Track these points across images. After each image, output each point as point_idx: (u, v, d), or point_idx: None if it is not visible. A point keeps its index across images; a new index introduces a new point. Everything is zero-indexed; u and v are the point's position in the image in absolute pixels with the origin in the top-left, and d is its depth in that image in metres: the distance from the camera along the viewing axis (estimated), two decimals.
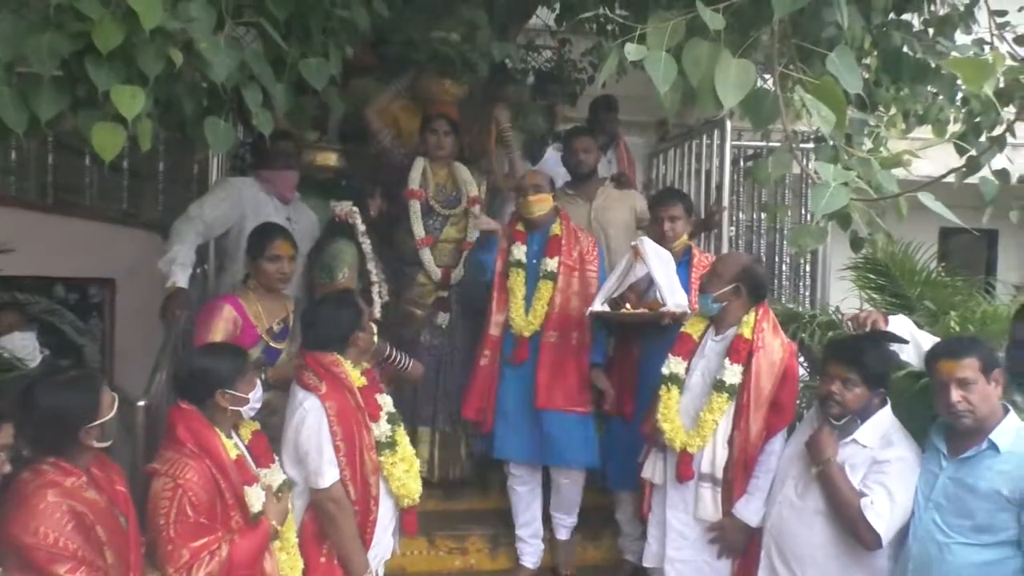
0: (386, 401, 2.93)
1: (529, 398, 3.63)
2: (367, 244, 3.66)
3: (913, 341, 2.84)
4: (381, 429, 2.81)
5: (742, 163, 5.70)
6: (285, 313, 3.27)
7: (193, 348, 3.00)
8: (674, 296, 3.39)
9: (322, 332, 2.81)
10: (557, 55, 7.31)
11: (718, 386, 2.96)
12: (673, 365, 3.10)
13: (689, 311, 3.35)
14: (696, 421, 2.98)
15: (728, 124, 4.60)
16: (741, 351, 2.96)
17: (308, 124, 3.60)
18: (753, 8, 2.24)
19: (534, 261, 3.76)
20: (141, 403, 2.92)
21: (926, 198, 2.24)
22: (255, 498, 2.49)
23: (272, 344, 3.17)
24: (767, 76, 2.69)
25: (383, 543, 2.90)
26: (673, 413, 3.03)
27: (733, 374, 2.95)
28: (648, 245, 3.44)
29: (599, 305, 3.54)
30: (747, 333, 2.98)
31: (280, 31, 2.32)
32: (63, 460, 2.16)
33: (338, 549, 2.73)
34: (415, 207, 4.00)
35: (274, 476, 2.64)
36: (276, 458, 2.69)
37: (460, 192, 4.12)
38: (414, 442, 3.52)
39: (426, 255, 4.03)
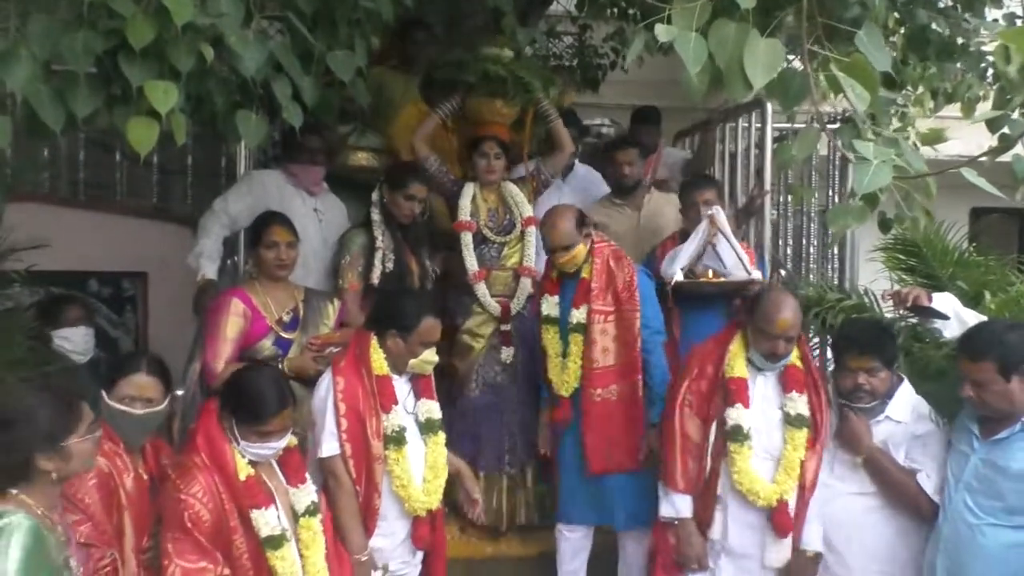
0: (431, 408, 2.89)
1: (583, 460, 3.33)
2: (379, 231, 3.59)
3: (957, 318, 2.85)
4: (391, 421, 2.75)
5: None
6: (294, 303, 3.21)
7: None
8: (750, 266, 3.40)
9: (382, 314, 2.85)
10: (578, 41, 7.32)
11: (792, 421, 2.78)
12: (734, 415, 2.82)
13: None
14: (776, 463, 2.78)
15: (769, 106, 4.38)
16: (797, 378, 2.82)
17: (336, 116, 3.59)
18: None
19: (567, 313, 3.41)
20: (179, 392, 2.99)
21: (969, 173, 2.22)
22: (264, 523, 2.36)
23: (283, 335, 3.13)
24: (791, 56, 2.68)
25: (390, 542, 2.81)
26: (747, 468, 2.77)
27: (800, 404, 2.79)
28: (720, 215, 3.44)
29: (680, 275, 3.45)
30: (797, 363, 2.85)
31: (307, 24, 2.34)
32: None
33: (336, 523, 2.69)
34: (467, 239, 3.73)
35: (301, 497, 2.51)
36: (307, 477, 2.57)
37: (513, 214, 3.83)
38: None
39: (481, 289, 3.72)
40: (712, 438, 2.86)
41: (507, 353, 3.74)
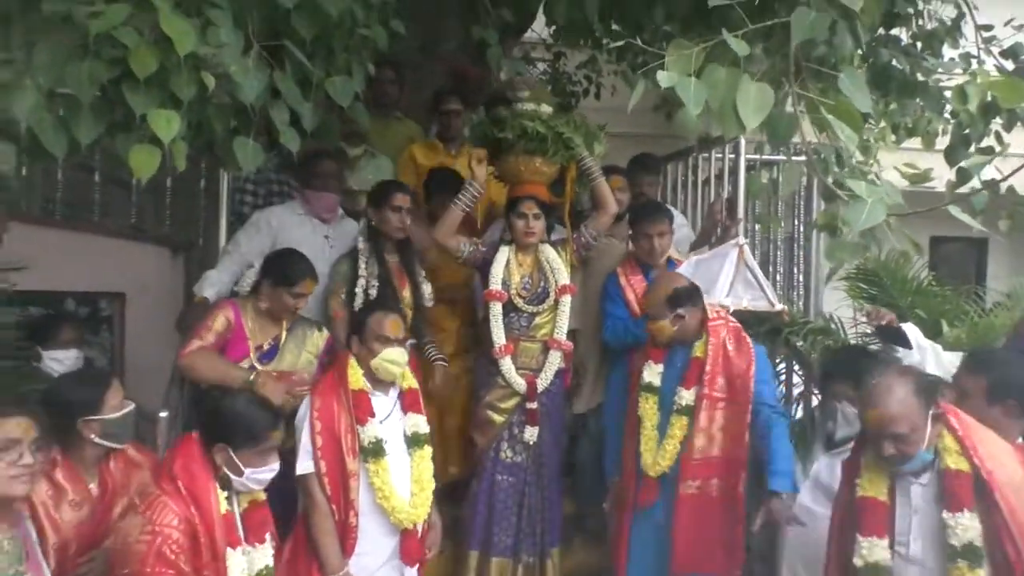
0: (417, 422, 2.92)
1: (665, 556, 3.06)
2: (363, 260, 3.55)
3: (918, 348, 2.95)
4: (367, 433, 2.77)
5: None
6: (278, 332, 3.23)
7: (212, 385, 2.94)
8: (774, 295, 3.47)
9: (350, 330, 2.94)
10: (552, 67, 7.47)
11: (960, 554, 2.07)
12: (868, 550, 2.17)
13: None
14: None
15: (742, 139, 4.37)
16: (965, 488, 2.09)
17: (341, 139, 3.60)
18: (768, 31, 2.36)
19: (671, 386, 3.15)
20: (163, 414, 3.01)
21: (954, 210, 2.35)
22: (235, 564, 2.31)
23: (257, 364, 3.12)
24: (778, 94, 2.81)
25: (374, 561, 2.81)
26: None
27: (968, 529, 2.06)
28: (747, 248, 3.50)
29: (723, 301, 3.44)
30: (960, 464, 2.11)
31: (305, 51, 2.41)
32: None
33: (312, 542, 2.72)
34: (496, 309, 3.51)
35: (257, 557, 2.41)
36: (268, 539, 2.47)
37: (548, 281, 3.57)
38: (485, 574, 3.45)
39: (506, 364, 3.50)
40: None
41: (531, 433, 3.50)
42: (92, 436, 2.44)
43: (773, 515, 2.76)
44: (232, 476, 2.36)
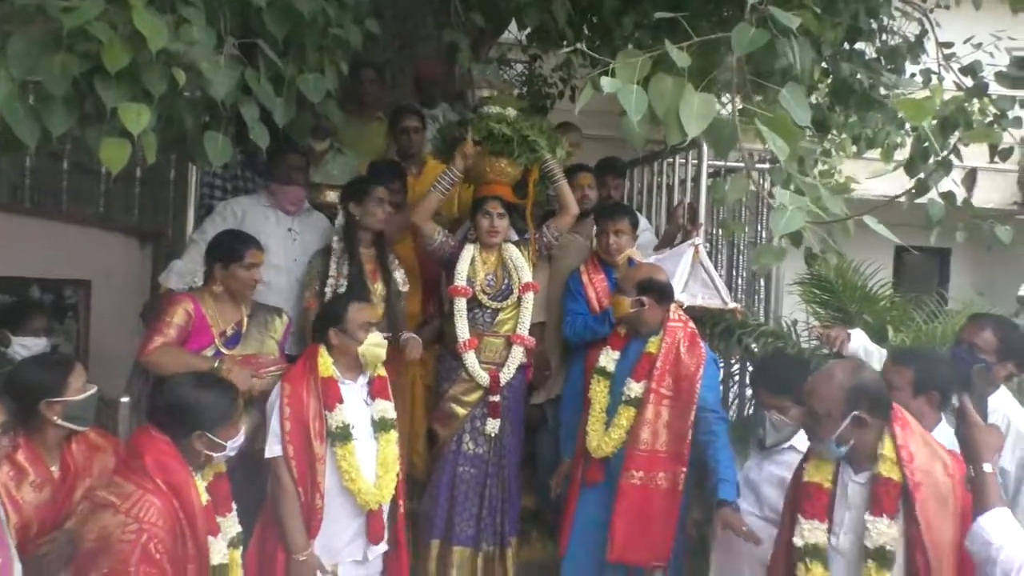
0: (385, 408, 3.03)
1: (604, 536, 3.14)
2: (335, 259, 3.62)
3: (865, 352, 3.08)
4: (334, 419, 2.88)
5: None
6: (239, 317, 3.26)
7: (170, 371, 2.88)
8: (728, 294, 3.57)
9: (318, 323, 3.06)
10: (528, 69, 7.57)
11: (871, 555, 2.16)
12: (809, 532, 2.28)
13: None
14: None
15: (705, 145, 4.46)
16: (890, 496, 2.17)
17: (309, 135, 3.65)
18: (713, 44, 2.46)
19: (622, 376, 3.26)
20: (124, 399, 3.05)
21: (870, 220, 2.45)
22: (217, 551, 2.37)
23: (222, 350, 3.16)
24: (725, 100, 2.91)
25: (338, 541, 2.92)
26: None
27: (883, 534, 2.16)
28: (703, 248, 3.61)
29: (679, 298, 3.46)
30: (892, 472, 2.18)
31: (277, 50, 2.47)
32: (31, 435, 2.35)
33: (278, 523, 2.83)
34: (460, 305, 3.61)
35: (229, 527, 2.51)
36: (234, 507, 2.56)
37: (512, 279, 3.68)
38: (447, 563, 3.53)
39: (470, 359, 3.59)
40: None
41: (492, 425, 3.60)
42: (54, 418, 2.48)
43: (730, 524, 2.81)
44: (214, 455, 2.42)
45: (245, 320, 3.26)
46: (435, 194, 3.67)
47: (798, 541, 2.29)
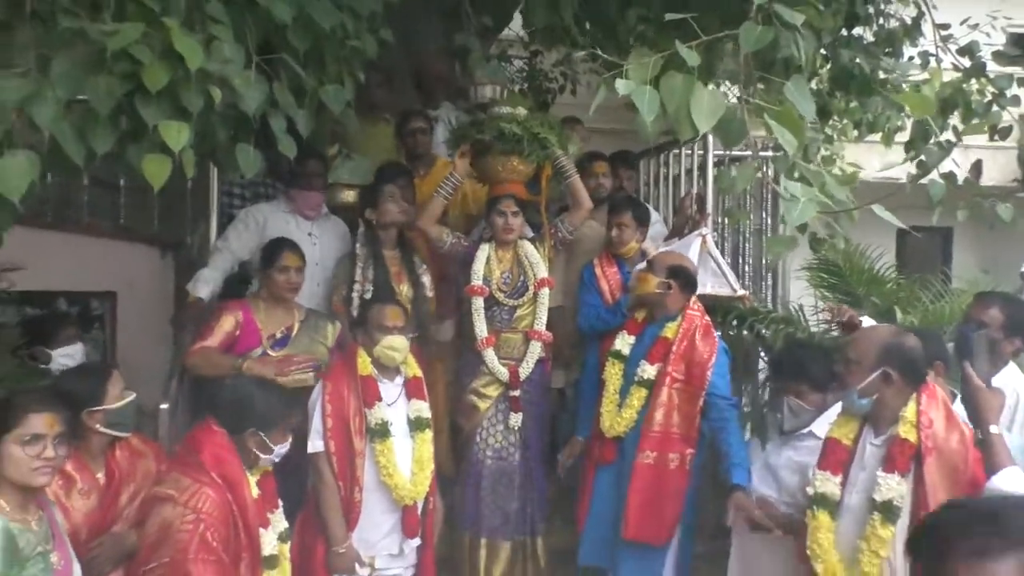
0: (420, 407, 3.15)
1: (619, 513, 3.30)
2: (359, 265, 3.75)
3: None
4: (373, 416, 3.01)
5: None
6: (291, 321, 3.44)
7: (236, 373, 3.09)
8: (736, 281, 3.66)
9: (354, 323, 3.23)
10: (529, 65, 7.63)
11: (878, 507, 2.27)
12: (821, 482, 2.41)
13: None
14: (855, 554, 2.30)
15: (710, 137, 4.48)
16: (904, 456, 2.27)
17: (327, 141, 3.77)
18: (721, 42, 2.55)
19: (637, 359, 3.39)
20: (163, 406, 3.17)
21: (879, 209, 2.56)
22: (267, 542, 2.51)
23: (269, 352, 3.34)
24: (730, 93, 3.00)
25: (375, 534, 3.05)
26: (828, 546, 2.35)
27: (892, 489, 2.25)
28: (710, 237, 3.71)
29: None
30: (909, 434, 2.28)
31: (299, 62, 2.57)
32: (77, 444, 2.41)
33: (319, 515, 2.96)
34: (478, 304, 3.68)
35: (277, 521, 2.64)
36: (280, 504, 2.69)
37: (527, 276, 3.76)
38: (477, 555, 3.63)
39: (489, 355, 3.68)
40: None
41: (515, 419, 3.67)
42: (97, 426, 2.57)
43: (743, 508, 2.87)
44: (262, 456, 2.55)
45: (296, 325, 3.42)
46: (439, 198, 3.79)
47: (810, 490, 2.43)
